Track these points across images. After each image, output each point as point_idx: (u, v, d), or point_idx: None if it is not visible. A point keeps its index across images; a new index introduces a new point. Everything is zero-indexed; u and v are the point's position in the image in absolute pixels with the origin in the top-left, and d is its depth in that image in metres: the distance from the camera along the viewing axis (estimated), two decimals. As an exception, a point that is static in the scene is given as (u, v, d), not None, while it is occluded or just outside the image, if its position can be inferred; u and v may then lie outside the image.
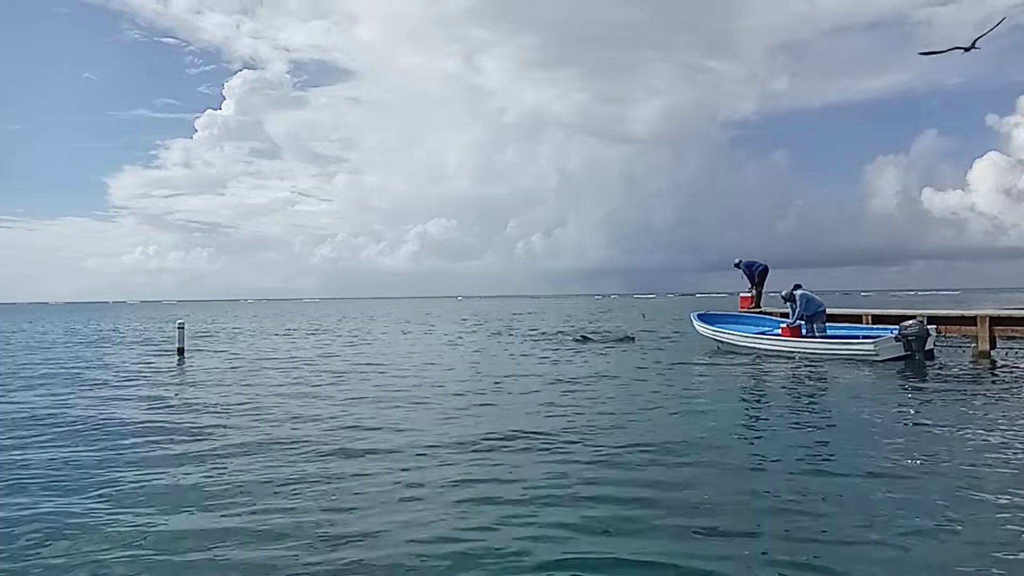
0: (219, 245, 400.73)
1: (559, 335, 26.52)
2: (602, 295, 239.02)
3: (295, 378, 14.39)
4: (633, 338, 23.13)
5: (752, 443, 7.86)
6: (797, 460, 6.78)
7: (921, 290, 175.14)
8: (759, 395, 11.78)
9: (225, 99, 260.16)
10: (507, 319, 45.32)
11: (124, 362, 18.50)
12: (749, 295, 20.52)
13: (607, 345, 21.53)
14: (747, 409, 10.43)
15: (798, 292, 16.80)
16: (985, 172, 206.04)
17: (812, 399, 11.10)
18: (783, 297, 17.19)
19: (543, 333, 28.35)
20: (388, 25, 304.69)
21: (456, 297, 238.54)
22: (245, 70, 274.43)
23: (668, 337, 24.26)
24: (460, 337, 28.12)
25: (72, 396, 12.11)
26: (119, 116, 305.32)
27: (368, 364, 17.18)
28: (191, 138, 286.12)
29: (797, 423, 8.96)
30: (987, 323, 14.89)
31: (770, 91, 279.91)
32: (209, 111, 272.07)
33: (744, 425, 9.11)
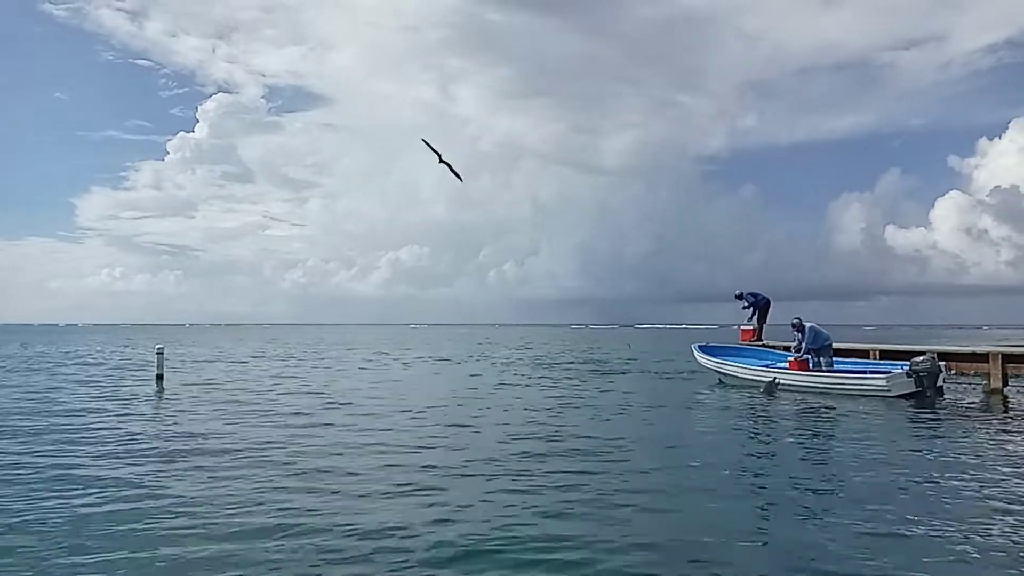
0: (187, 268, 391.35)
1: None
2: (579, 325, 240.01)
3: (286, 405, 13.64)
4: None
5: (767, 480, 7.65)
6: (831, 508, 6.40)
7: (884, 325, 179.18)
8: (772, 430, 11.44)
9: (198, 122, 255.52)
10: (543, 351, 44.65)
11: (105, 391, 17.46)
12: (750, 328, 20.29)
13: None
14: (759, 446, 10.09)
15: (807, 324, 16.56)
16: (947, 211, 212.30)
17: (830, 435, 10.74)
18: (793, 325, 16.88)
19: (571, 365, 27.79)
20: (364, 52, 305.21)
21: (409, 325, 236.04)
22: (220, 94, 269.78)
23: (664, 370, 23.91)
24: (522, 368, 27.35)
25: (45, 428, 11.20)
26: (89, 137, 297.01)
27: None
28: (162, 160, 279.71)
29: (820, 461, 8.76)
30: (999, 360, 14.78)
31: (739, 128, 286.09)
32: (182, 133, 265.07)
33: (758, 462, 8.86)
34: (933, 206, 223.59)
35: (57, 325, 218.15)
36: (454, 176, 19.50)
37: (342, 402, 14.78)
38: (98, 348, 44.07)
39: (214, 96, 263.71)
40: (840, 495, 6.86)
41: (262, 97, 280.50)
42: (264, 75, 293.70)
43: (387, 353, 38.21)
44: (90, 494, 6.83)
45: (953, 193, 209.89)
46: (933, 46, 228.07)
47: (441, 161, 18.20)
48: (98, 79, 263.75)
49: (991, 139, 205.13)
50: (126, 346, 46.64)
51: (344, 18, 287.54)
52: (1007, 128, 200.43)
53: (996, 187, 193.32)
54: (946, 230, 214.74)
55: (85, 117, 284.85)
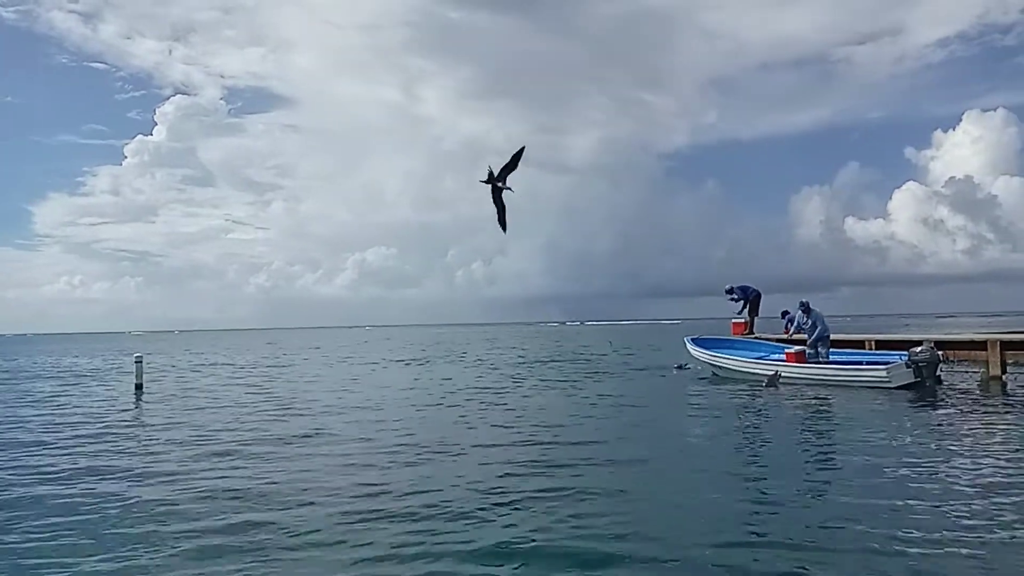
0: (148, 275, 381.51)
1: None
2: (542, 322, 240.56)
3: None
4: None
5: (773, 474, 7.50)
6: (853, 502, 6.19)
7: (846, 316, 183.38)
8: (776, 424, 11.26)
9: (157, 125, 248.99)
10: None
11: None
12: (742, 321, 20.23)
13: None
14: (765, 441, 9.90)
15: (816, 311, 16.54)
16: (904, 202, 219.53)
17: (834, 429, 10.53)
18: (801, 305, 16.78)
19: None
20: (326, 53, 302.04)
21: (365, 327, 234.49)
22: (178, 96, 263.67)
23: (649, 365, 23.75)
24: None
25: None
26: (44, 142, 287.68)
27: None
28: (120, 165, 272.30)
29: (828, 455, 8.55)
30: (998, 347, 14.89)
31: (701, 124, 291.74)
32: (140, 137, 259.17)
33: (763, 457, 8.64)
34: (891, 197, 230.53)
35: (4, 335, 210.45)
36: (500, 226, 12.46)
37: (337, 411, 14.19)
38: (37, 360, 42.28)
39: (172, 98, 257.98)
40: (850, 488, 6.69)
41: (221, 99, 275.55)
42: (223, 76, 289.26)
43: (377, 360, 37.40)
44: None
45: (910, 184, 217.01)
46: (887, 40, 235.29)
47: (501, 187, 11.91)
48: (52, 83, 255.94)
49: (945, 131, 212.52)
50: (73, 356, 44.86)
51: (304, 18, 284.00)
52: (960, 120, 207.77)
53: (951, 178, 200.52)
54: (904, 221, 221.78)
55: (39, 122, 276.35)
